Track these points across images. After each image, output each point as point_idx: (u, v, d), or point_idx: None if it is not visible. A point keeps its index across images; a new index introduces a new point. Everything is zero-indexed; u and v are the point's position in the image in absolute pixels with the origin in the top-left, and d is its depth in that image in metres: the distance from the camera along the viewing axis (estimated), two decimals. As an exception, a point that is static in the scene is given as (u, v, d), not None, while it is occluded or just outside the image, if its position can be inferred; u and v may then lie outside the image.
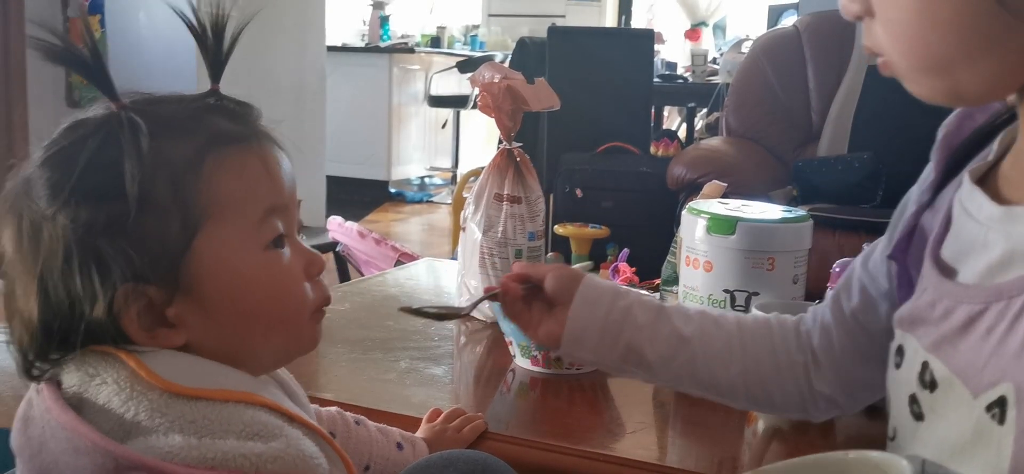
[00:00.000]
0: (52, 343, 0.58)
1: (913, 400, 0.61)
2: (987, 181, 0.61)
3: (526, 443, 0.95)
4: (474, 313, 1.30)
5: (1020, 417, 0.51)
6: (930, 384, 0.59)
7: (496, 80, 1.31)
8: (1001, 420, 0.52)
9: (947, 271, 0.61)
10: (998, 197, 0.59)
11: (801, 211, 1.17)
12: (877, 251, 0.77)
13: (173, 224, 0.58)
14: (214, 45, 0.63)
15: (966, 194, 0.61)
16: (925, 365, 0.60)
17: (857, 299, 0.78)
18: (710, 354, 0.82)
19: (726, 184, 1.41)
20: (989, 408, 0.53)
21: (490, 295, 0.87)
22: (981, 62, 0.55)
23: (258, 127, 0.64)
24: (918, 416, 0.61)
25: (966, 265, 0.59)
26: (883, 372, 0.77)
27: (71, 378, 0.58)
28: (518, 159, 1.36)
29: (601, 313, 0.82)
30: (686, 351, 0.82)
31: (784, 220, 1.11)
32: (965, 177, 0.62)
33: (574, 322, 0.83)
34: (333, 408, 0.86)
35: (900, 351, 0.64)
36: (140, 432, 0.54)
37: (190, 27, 0.63)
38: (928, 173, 0.69)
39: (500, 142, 1.37)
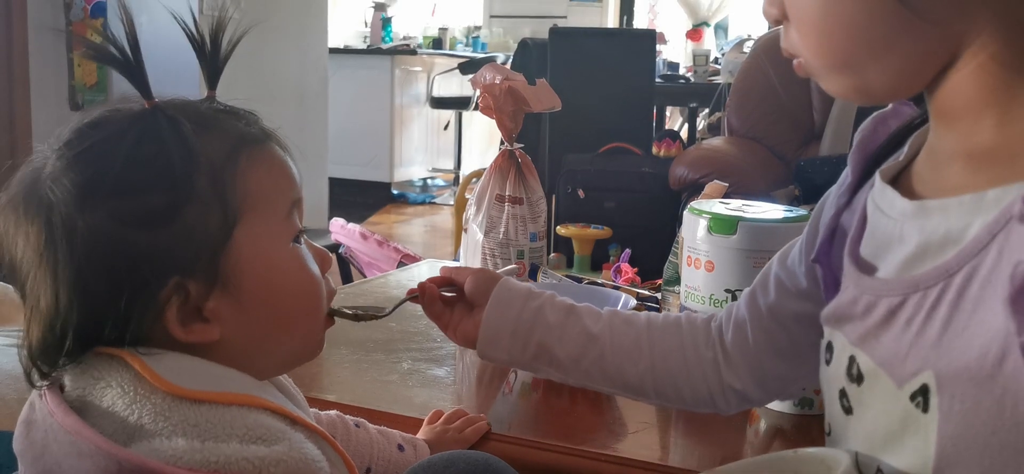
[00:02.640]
0: (84, 343, 0.57)
1: (843, 394, 0.63)
2: (899, 180, 0.63)
3: (528, 443, 0.95)
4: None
5: (943, 403, 0.53)
6: (857, 378, 0.60)
7: (497, 81, 1.32)
8: (925, 408, 0.54)
9: (866, 268, 0.62)
10: (910, 194, 0.60)
11: (803, 211, 1.16)
12: (795, 249, 0.78)
13: (214, 218, 0.59)
14: (211, 53, 0.64)
15: (878, 193, 0.63)
16: (852, 359, 0.61)
17: (773, 295, 0.79)
18: (618, 351, 0.84)
19: (727, 184, 1.40)
20: (913, 397, 0.55)
21: (411, 297, 0.87)
22: (886, 59, 0.57)
23: (266, 129, 0.65)
24: (847, 410, 0.62)
25: (884, 260, 0.61)
26: (796, 367, 0.80)
27: (74, 382, 0.58)
28: (520, 160, 1.36)
29: (513, 314, 0.84)
30: (595, 349, 0.84)
31: (786, 220, 1.11)
32: (877, 177, 0.64)
33: (487, 324, 0.84)
34: (333, 411, 0.86)
35: (829, 348, 0.65)
36: (144, 435, 0.54)
37: (189, 35, 0.63)
38: (845, 176, 0.71)
39: (502, 143, 1.37)
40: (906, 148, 0.65)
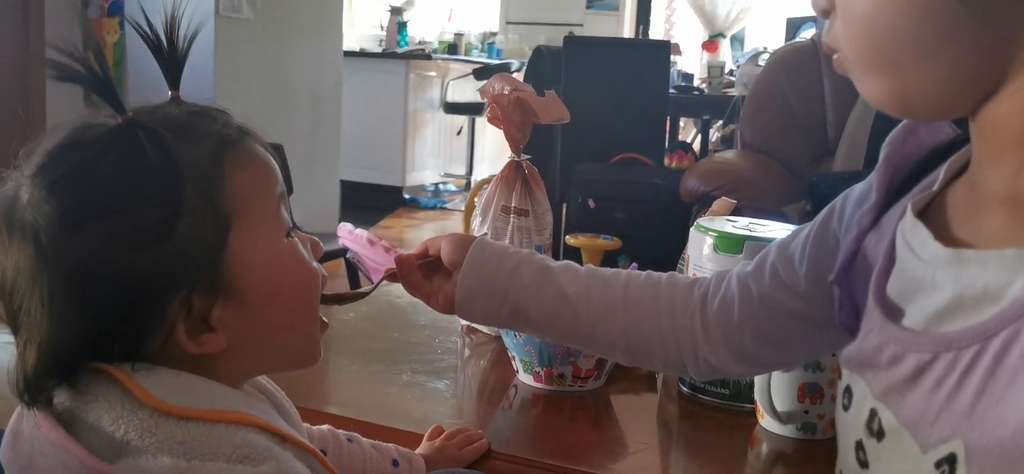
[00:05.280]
0: (86, 363, 0.57)
1: (859, 446, 0.60)
2: (932, 213, 0.59)
3: (526, 463, 0.94)
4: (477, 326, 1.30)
5: None
6: (878, 433, 0.57)
7: (506, 92, 1.31)
8: None
9: (892, 312, 0.59)
10: (945, 233, 0.56)
11: (811, 230, 1.15)
12: (796, 244, 0.76)
13: (207, 226, 0.58)
14: (169, 52, 0.62)
15: (909, 228, 0.59)
16: (873, 413, 0.58)
17: (767, 284, 0.77)
18: (592, 314, 0.83)
19: (735, 201, 1.39)
20: (938, 464, 0.51)
21: (389, 274, 0.87)
22: (931, 64, 0.53)
23: (241, 126, 0.64)
24: (863, 464, 0.59)
25: (912, 306, 0.57)
26: (779, 354, 0.80)
27: (62, 395, 0.58)
28: (526, 172, 1.35)
29: (488, 274, 0.84)
30: (569, 310, 0.83)
31: (793, 240, 1.10)
32: (908, 209, 0.60)
33: (463, 285, 0.84)
34: (325, 426, 0.85)
35: (848, 392, 0.62)
36: (129, 452, 0.54)
37: (143, 36, 0.62)
38: (869, 192, 0.67)
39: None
40: (941, 174, 0.60)
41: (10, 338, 0.87)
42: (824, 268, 0.71)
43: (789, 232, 0.81)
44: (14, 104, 3.77)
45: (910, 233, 0.59)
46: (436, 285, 0.87)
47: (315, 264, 0.67)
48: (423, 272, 0.87)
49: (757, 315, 0.78)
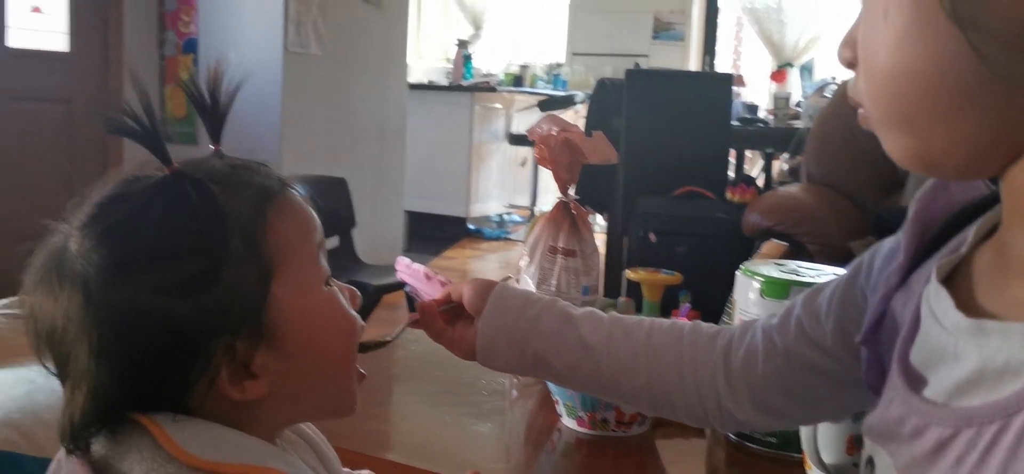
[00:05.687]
0: (125, 410, 0.58)
1: None
2: (957, 278, 0.56)
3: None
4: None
5: None
6: None
7: (553, 133, 1.31)
8: None
9: (915, 381, 0.56)
10: (969, 300, 0.54)
11: (862, 275, 1.12)
12: (822, 299, 0.74)
13: (251, 275, 0.59)
14: (213, 107, 0.64)
15: (933, 294, 0.57)
16: None
17: (792, 339, 0.75)
18: (614, 364, 0.81)
19: (786, 245, 1.37)
20: None
21: (412, 322, 0.87)
22: (954, 123, 0.50)
23: (282, 178, 0.65)
24: None
25: (935, 375, 0.55)
26: (805, 409, 0.79)
27: (99, 443, 0.59)
28: (574, 212, 1.35)
29: (510, 322, 0.83)
30: (591, 360, 0.82)
31: (843, 285, 1.08)
32: (933, 275, 0.57)
33: (484, 332, 0.83)
34: (365, 471, 0.86)
35: (870, 464, 0.60)
36: None
37: (189, 94, 0.64)
38: (897, 251, 0.64)
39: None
40: (970, 236, 0.58)
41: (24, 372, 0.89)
42: (850, 325, 0.69)
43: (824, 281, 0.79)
44: (95, 143, 3.92)
45: (934, 299, 0.57)
46: (458, 332, 0.86)
47: (353, 313, 0.68)
48: (446, 318, 0.87)
49: (782, 369, 0.76)
